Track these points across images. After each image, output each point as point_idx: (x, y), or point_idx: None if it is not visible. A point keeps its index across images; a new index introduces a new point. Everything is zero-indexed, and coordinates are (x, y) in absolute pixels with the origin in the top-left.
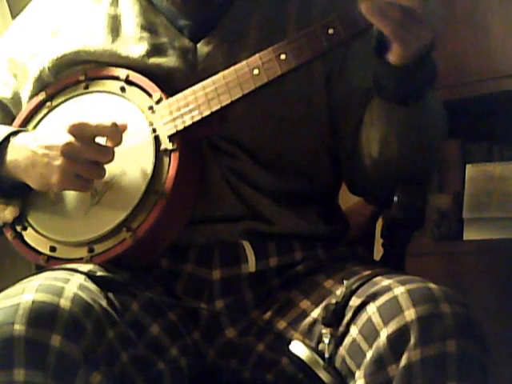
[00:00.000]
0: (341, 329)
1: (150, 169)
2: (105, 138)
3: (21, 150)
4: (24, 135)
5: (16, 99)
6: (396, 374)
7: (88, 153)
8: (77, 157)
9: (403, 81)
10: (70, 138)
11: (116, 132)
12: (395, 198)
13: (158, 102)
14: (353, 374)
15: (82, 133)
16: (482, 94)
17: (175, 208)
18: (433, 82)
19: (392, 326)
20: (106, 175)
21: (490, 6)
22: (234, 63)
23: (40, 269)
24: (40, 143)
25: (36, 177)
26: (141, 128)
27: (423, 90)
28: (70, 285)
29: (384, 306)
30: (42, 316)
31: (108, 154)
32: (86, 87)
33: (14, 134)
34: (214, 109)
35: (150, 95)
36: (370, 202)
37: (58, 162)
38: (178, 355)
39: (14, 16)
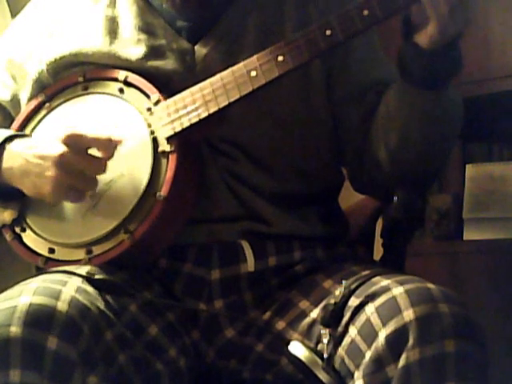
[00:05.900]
0: (339, 329)
1: (147, 171)
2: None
3: (16, 157)
4: (19, 142)
5: (15, 101)
6: (395, 375)
7: (80, 164)
8: (69, 168)
9: (431, 64)
10: (64, 149)
11: (110, 146)
12: (395, 198)
13: (156, 104)
14: (352, 375)
15: (76, 144)
16: (482, 94)
17: (173, 210)
18: (458, 69)
19: (390, 327)
20: (104, 177)
21: (489, 6)
22: (232, 64)
23: (40, 270)
24: (34, 152)
25: (29, 186)
26: (139, 130)
27: (449, 76)
28: (67, 287)
29: (383, 307)
30: (39, 318)
31: (100, 167)
32: (85, 88)
33: (10, 139)
34: (212, 110)
35: (148, 97)
36: (375, 198)
37: (51, 172)
38: (177, 356)
39: (13, 16)
